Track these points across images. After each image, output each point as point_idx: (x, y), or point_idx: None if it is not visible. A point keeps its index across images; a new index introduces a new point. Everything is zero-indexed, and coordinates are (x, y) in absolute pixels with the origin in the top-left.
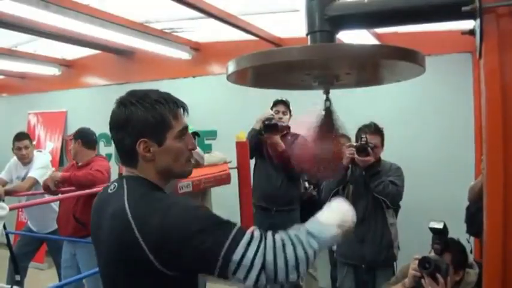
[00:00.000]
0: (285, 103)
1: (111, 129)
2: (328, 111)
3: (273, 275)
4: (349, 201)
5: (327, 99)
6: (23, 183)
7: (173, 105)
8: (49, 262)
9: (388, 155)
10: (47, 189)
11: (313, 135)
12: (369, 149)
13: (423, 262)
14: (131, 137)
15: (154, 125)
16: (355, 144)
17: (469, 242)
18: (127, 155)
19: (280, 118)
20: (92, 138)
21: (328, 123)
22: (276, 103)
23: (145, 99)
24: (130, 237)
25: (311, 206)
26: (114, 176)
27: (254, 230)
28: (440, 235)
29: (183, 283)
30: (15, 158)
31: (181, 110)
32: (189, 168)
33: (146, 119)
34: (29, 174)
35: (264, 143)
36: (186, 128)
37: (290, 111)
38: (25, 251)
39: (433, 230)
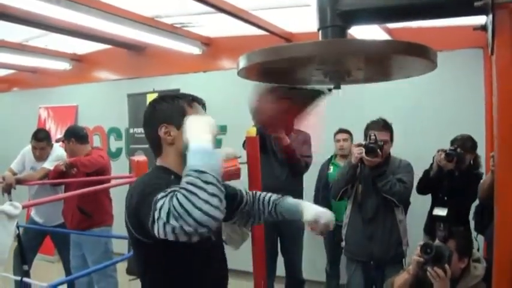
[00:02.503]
0: None
1: (143, 127)
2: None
3: (190, 222)
4: (358, 200)
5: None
6: (35, 173)
7: (190, 98)
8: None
9: (397, 151)
10: (59, 172)
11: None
12: (378, 150)
13: (425, 248)
14: (155, 126)
15: (172, 112)
16: (364, 143)
17: (476, 240)
18: (154, 144)
19: None
20: (84, 133)
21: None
22: None
23: (167, 96)
24: (125, 220)
25: None
26: (119, 167)
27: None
28: (444, 222)
29: (173, 251)
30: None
31: (199, 104)
32: None
33: (166, 109)
34: (43, 165)
35: (268, 137)
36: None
37: None
38: (30, 245)
39: (436, 217)
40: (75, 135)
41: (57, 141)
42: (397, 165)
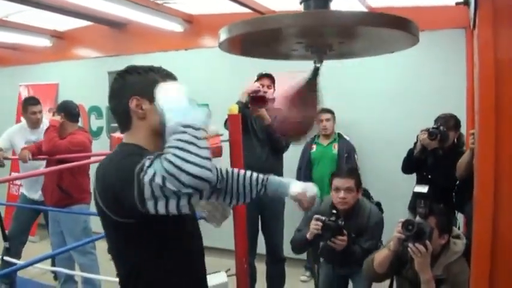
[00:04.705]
0: (270, 77)
1: (109, 100)
2: (315, 77)
3: (177, 180)
4: None
5: (317, 68)
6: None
7: (164, 73)
8: (40, 235)
9: (378, 133)
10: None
11: (295, 95)
12: (343, 229)
13: (406, 224)
14: (125, 98)
15: (145, 85)
16: (323, 219)
17: (457, 218)
18: (122, 118)
19: (265, 92)
20: (75, 112)
21: (311, 87)
22: (261, 77)
23: (139, 68)
24: (95, 198)
25: None
26: (100, 146)
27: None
28: (424, 199)
29: (147, 230)
30: (20, 124)
31: (173, 81)
32: None
33: (138, 81)
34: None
35: (249, 116)
36: None
37: (275, 85)
38: (22, 226)
39: (417, 194)
40: (66, 111)
41: (50, 111)
42: (367, 219)
